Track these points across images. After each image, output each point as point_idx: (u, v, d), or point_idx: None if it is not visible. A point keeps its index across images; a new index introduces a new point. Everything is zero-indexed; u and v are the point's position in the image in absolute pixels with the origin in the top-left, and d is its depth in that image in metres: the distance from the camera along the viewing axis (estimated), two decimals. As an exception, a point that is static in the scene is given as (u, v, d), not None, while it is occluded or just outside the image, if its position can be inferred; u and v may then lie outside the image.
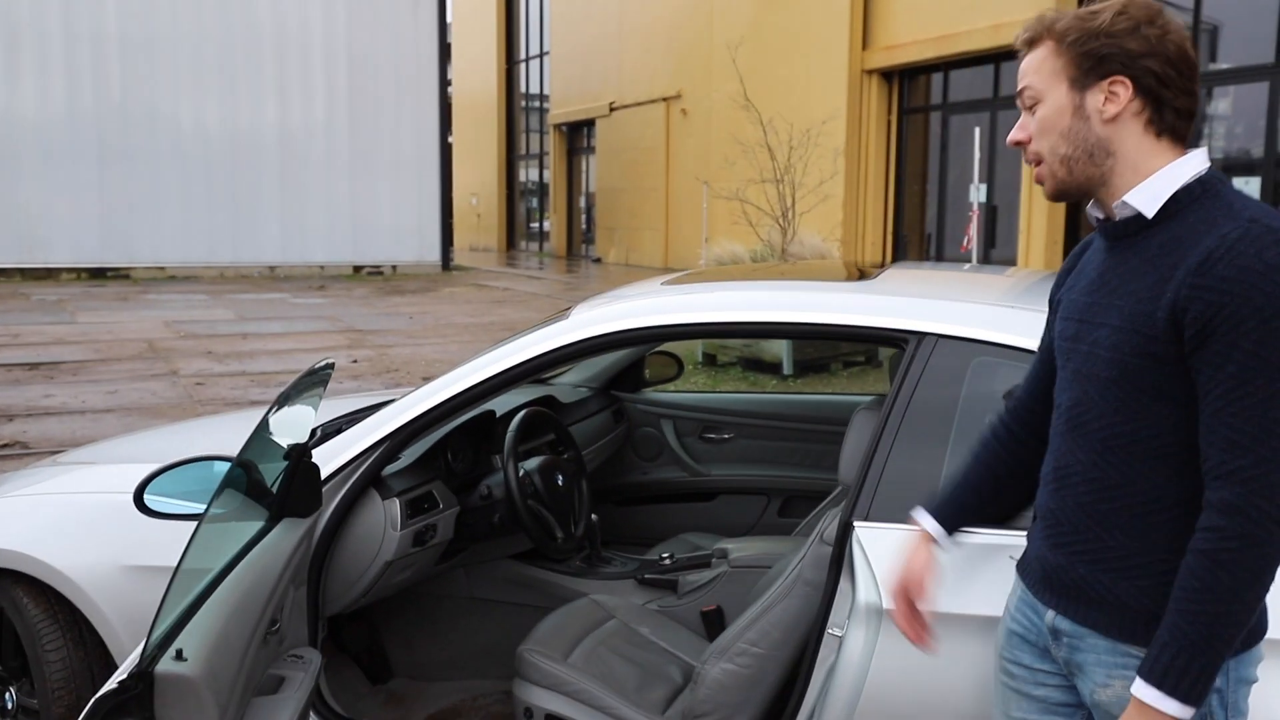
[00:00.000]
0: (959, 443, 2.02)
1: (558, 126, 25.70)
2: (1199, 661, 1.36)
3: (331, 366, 2.32)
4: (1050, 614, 1.59)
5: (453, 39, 21.73)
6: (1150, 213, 1.47)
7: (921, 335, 2.14)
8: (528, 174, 28.59)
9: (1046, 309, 1.74)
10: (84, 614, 2.51)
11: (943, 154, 14.82)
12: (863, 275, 2.82)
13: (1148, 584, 1.46)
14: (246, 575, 1.73)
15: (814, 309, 2.28)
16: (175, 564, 2.38)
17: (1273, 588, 1.42)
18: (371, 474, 2.45)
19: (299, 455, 2.08)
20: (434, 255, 20.33)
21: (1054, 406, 1.62)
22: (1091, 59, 1.47)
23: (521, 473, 2.87)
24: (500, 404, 3.20)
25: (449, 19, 21.21)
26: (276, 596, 1.86)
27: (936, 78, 14.84)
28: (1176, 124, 1.48)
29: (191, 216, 18.56)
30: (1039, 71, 1.52)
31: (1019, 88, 1.57)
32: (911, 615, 1.80)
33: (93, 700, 1.31)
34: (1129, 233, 1.50)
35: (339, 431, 2.56)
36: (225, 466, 2.32)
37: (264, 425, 1.91)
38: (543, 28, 26.55)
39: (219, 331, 11.61)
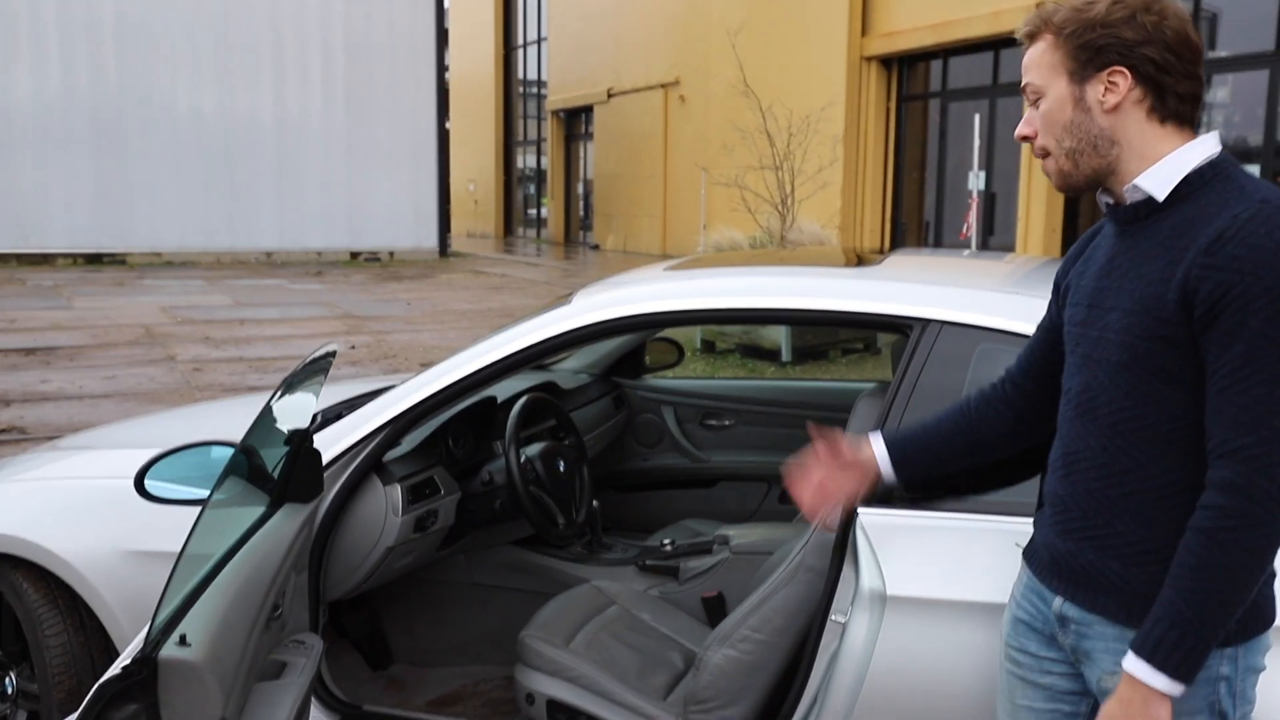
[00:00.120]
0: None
1: (556, 113, 25.62)
2: (1191, 639, 1.36)
3: (333, 354, 2.30)
4: (1058, 601, 1.58)
5: (450, 24, 21.63)
6: (1161, 196, 1.46)
7: (926, 322, 2.13)
8: (525, 160, 28.52)
9: (1050, 295, 1.74)
10: (84, 599, 2.51)
11: (941, 141, 14.79)
12: (861, 261, 2.81)
13: (1157, 569, 1.45)
14: (249, 561, 1.72)
15: (818, 295, 2.27)
16: (178, 549, 2.40)
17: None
18: (373, 459, 2.45)
19: (300, 441, 2.07)
20: (431, 241, 20.29)
21: (1062, 392, 1.61)
22: (1089, 51, 1.47)
23: (523, 458, 2.87)
24: (501, 390, 3.19)
25: (446, 4, 21.10)
26: (279, 582, 1.86)
27: (935, 65, 14.81)
28: (1180, 109, 1.47)
29: (188, 202, 18.50)
30: (1039, 66, 1.52)
31: (1022, 83, 1.57)
32: (813, 482, 1.81)
33: (96, 686, 1.31)
34: (1139, 216, 1.49)
35: (339, 417, 2.55)
36: (225, 452, 2.32)
37: (267, 411, 1.90)
38: (540, 13, 26.44)
39: (216, 317, 11.59)
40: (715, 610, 2.91)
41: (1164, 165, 1.46)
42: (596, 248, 23.31)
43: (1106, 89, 1.47)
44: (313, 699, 2.42)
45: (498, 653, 3.08)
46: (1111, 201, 1.54)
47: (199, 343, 9.85)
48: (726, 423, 3.82)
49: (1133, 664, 1.40)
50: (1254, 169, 10.84)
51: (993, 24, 12.94)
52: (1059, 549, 1.58)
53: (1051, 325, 1.72)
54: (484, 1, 28.52)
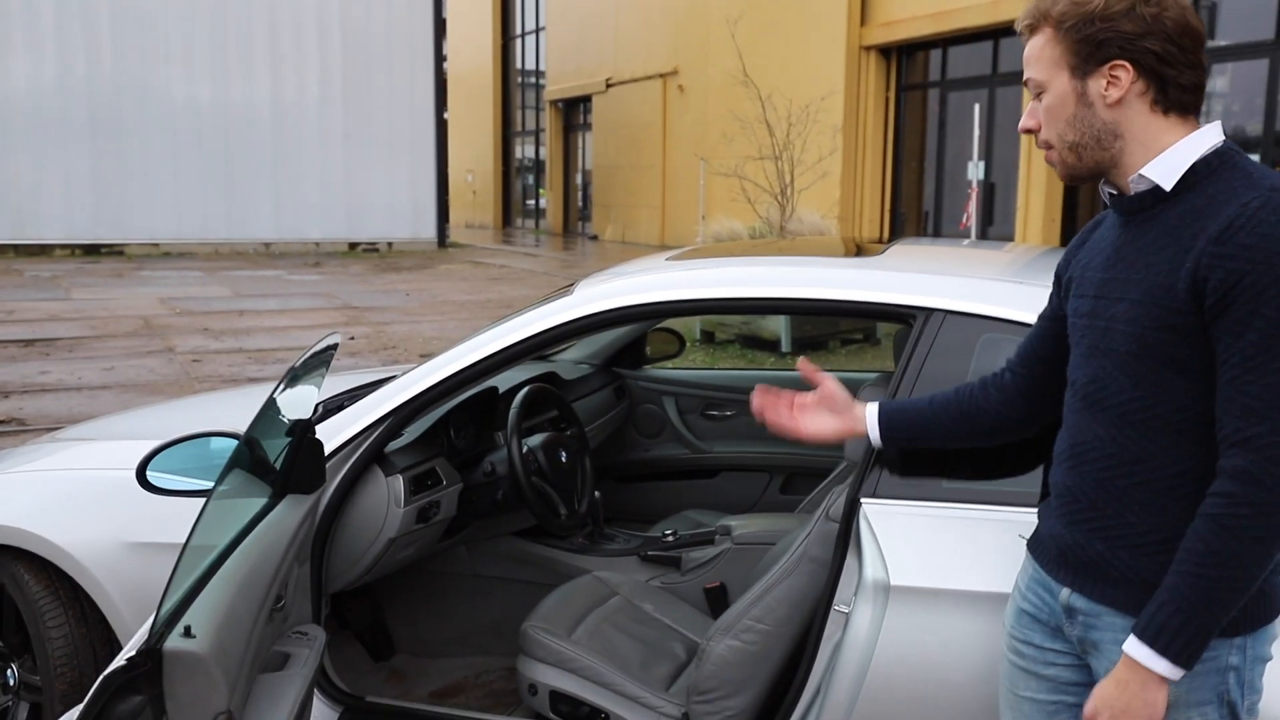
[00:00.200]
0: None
1: (554, 103, 25.56)
2: (1195, 625, 1.37)
3: (334, 347, 2.30)
4: (1065, 592, 1.58)
5: (448, 14, 21.53)
6: (1169, 185, 1.45)
7: (930, 311, 2.12)
8: (524, 151, 28.46)
9: (1051, 286, 1.74)
10: (85, 590, 2.50)
11: (941, 131, 14.77)
12: (864, 251, 2.80)
13: (1167, 559, 1.44)
14: (252, 552, 1.72)
15: (822, 285, 2.26)
16: (179, 540, 2.39)
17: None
18: (375, 450, 2.44)
19: (302, 431, 2.06)
20: (430, 232, 20.25)
21: (1068, 384, 1.61)
22: (1089, 45, 1.46)
23: (525, 449, 2.86)
24: (503, 380, 3.19)
25: (444, -7, 21.03)
26: (281, 573, 1.85)
27: (935, 54, 14.78)
28: (1183, 99, 1.47)
29: (185, 192, 18.46)
30: (1040, 60, 1.52)
31: (1025, 77, 1.56)
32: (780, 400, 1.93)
33: (102, 677, 1.30)
34: (1145, 206, 1.49)
35: (340, 408, 2.54)
36: (227, 443, 2.31)
37: (271, 403, 1.90)
38: (539, 2, 26.37)
39: (215, 308, 11.57)
40: (717, 601, 2.91)
41: (1170, 155, 1.46)
42: (595, 238, 23.28)
43: (1109, 83, 1.46)
44: (315, 690, 2.41)
45: (499, 644, 3.08)
46: (1115, 192, 1.54)
47: (198, 334, 9.84)
48: (728, 413, 3.82)
49: (1135, 648, 1.40)
50: (1254, 158, 10.81)
51: (992, 13, 12.91)
52: (1066, 540, 1.57)
53: (1052, 316, 1.72)
54: (482, -9, 28.44)
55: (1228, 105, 11.37)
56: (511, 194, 29.06)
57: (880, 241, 2.94)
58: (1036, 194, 12.60)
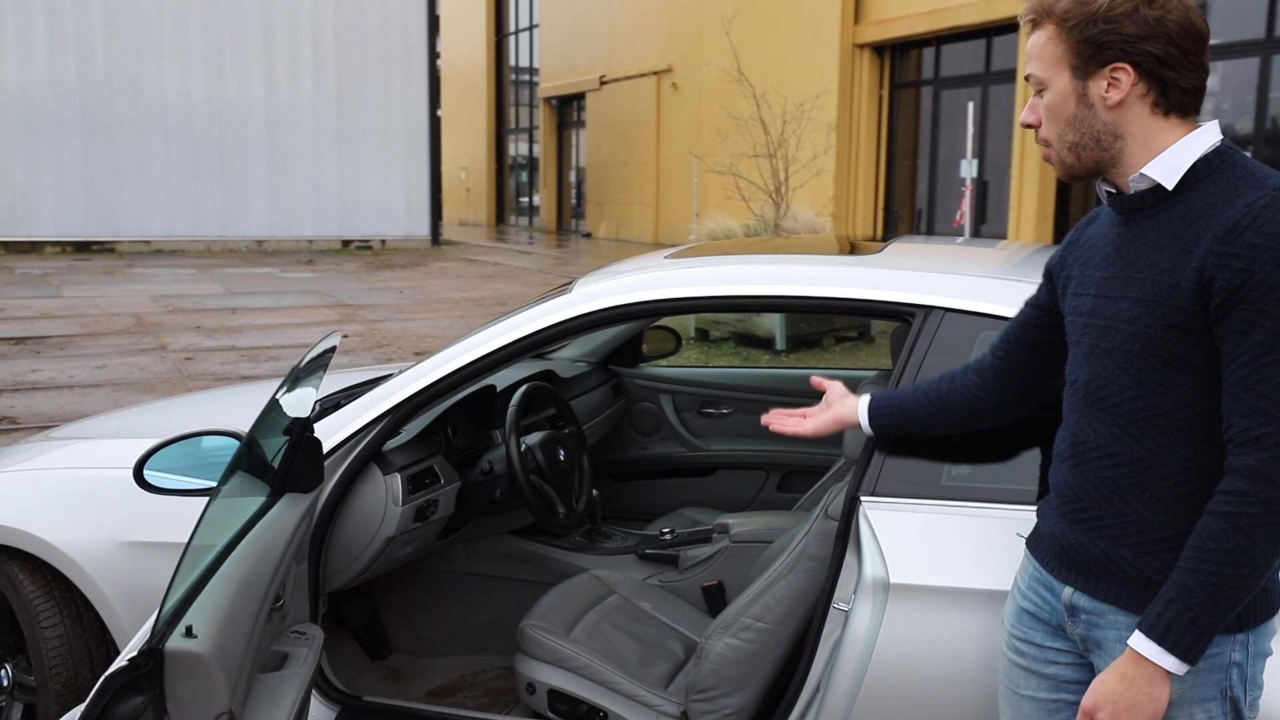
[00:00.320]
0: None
1: (547, 100, 25.53)
2: (1202, 621, 1.37)
3: (333, 350, 2.28)
4: (1067, 591, 1.58)
5: (442, 11, 21.49)
6: (1171, 184, 1.46)
7: (929, 309, 2.13)
8: (517, 148, 28.42)
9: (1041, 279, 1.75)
10: (80, 590, 2.49)
11: (934, 129, 14.79)
12: (858, 249, 2.80)
13: (1171, 557, 1.45)
14: (251, 551, 1.71)
15: (821, 283, 2.26)
16: (176, 539, 2.39)
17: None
18: (373, 449, 2.43)
19: (301, 430, 2.05)
20: (423, 230, 20.22)
21: (1067, 383, 1.61)
22: (1091, 46, 1.46)
23: (523, 448, 2.86)
24: (500, 379, 3.18)
25: (437, -10, 20.98)
26: (280, 572, 1.84)
27: (928, 52, 14.79)
28: (1184, 100, 1.47)
29: (177, 189, 18.39)
30: (1042, 58, 1.52)
31: (1026, 71, 1.56)
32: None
33: (103, 678, 1.30)
34: (1146, 205, 1.49)
35: (337, 407, 2.53)
36: (224, 442, 2.30)
37: (274, 404, 1.89)
38: (532, 0, 26.33)
39: (207, 306, 11.54)
40: (715, 599, 2.90)
41: (1171, 154, 1.46)
42: (589, 236, 23.26)
43: (1109, 85, 1.46)
44: (312, 690, 2.41)
45: (497, 643, 3.07)
46: (1113, 190, 1.54)
47: (190, 332, 9.81)
48: (724, 411, 3.81)
49: (1142, 643, 1.40)
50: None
51: (985, 11, 12.93)
52: (1068, 539, 1.57)
53: (1037, 305, 1.73)
54: (475, -12, 28.39)
55: (1218, 103, 11.40)
56: (505, 191, 29.02)
57: (875, 239, 2.94)
58: (1029, 191, 12.62)
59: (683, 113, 19.45)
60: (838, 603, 2.00)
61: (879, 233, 15.48)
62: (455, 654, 3.11)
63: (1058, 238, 12.58)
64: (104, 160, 17.89)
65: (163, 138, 18.24)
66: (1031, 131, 1.59)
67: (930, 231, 14.88)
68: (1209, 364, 1.41)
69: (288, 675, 1.85)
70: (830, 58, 15.28)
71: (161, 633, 1.32)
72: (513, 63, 28.08)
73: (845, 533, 2.02)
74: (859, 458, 2.06)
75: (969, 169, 11.16)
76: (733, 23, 15.67)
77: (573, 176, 25.58)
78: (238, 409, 3.39)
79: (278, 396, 1.91)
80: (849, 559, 2.01)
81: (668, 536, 3.11)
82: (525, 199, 28.21)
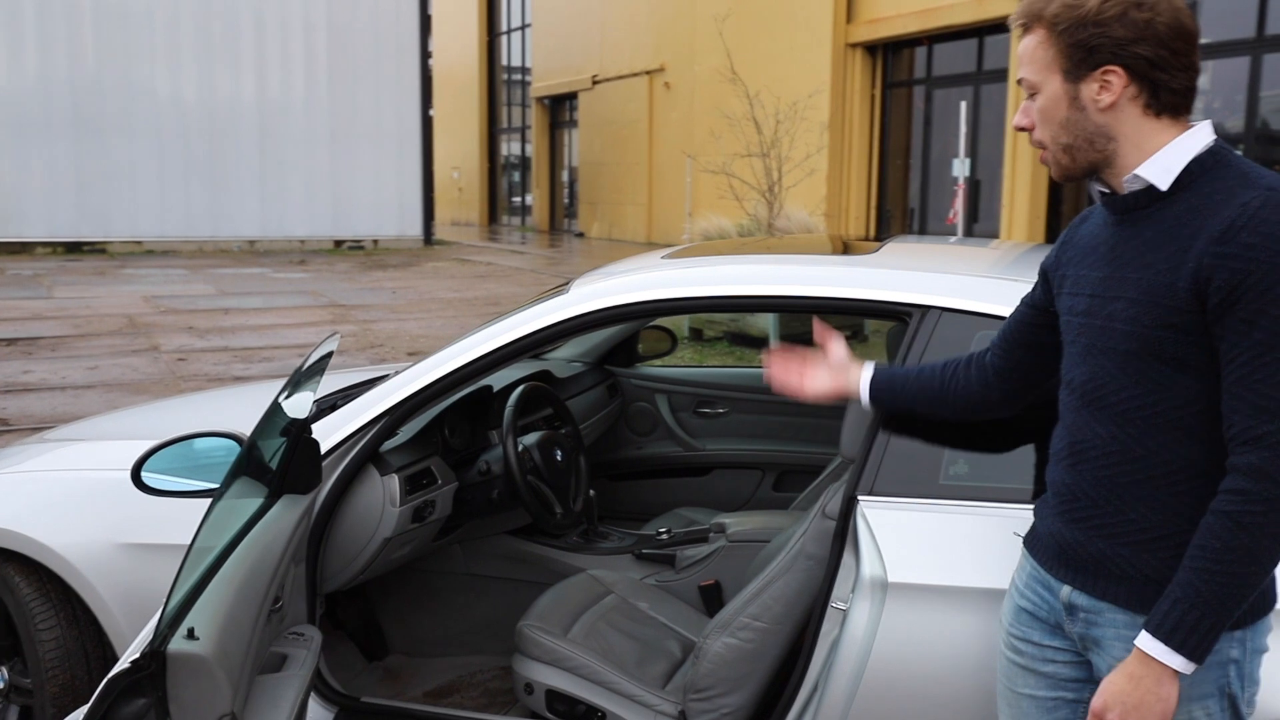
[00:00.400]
0: (964, 417, 2.02)
1: (540, 100, 25.52)
2: (1209, 620, 1.38)
3: (330, 354, 2.28)
4: (1066, 589, 1.59)
5: (433, 10, 21.44)
6: (1164, 185, 1.46)
7: (926, 309, 2.13)
8: (509, 148, 28.40)
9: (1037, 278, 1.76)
10: (77, 592, 2.48)
11: (926, 128, 14.81)
12: (855, 249, 2.81)
13: (1170, 556, 1.46)
14: (250, 553, 1.71)
15: (819, 283, 2.27)
16: (172, 541, 2.38)
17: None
18: (370, 450, 2.43)
19: (299, 431, 2.05)
20: (415, 230, 20.19)
21: (1063, 383, 1.61)
22: (1081, 50, 1.47)
23: (520, 448, 2.86)
24: (497, 379, 3.18)
25: (429, -10, 20.95)
26: (279, 574, 1.84)
27: (920, 52, 14.81)
28: (1175, 101, 1.48)
29: (169, 190, 18.33)
30: (1033, 61, 1.53)
31: (1018, 76, 1.57)
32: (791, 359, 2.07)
33: (106, 679, 1.29)
34: (1140, 205, 1.49)
35: (334, 407, 2.53)
36: (221, 443, 2.30)
37: (276, 407, 1.89)
38: (524, -1, 26.33)
39: (199, 306, 11.50)
40: (712, 598, 2.91)
41: (1164, 155, 1.47)
42: (581, 235, 23.26)
43: (1101, 88, 1.47)
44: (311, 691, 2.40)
45: (493, 643, 3.07)
46: (1107, 191, 1.55)
47: (183, 332, 9.78)
48: (720, 410, 3.82)
49: (1149, 643, 1.41)
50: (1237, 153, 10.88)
51: (977, 10, 12.95)
52: (1066, 538, 1.58)
53: (1032, 304, 1.74)
54: (467, -12, 28.35)
55: (1209, 102, 11.45)
56: (497, 191, 29.00)
57: (868, 239, 2.95)
58: (1021, 190, 12.65)
59: (675, 112, 19.45)
60: (836, 602, 2.00)
61: (872, 232, 15.50)
62: (452, 654, 3.11)
63: (1050, 237, 12.61)
64: (95, 160, 17.82)
65: (154, 137, 18.18)
66: (1024, 131, 1.60)
67: (923, 230, 14.90)
68: (1205, 363, 1.42)
69: (287, 676, 1.85)
70: (823, 57, 15.30)
71: (164, 635, 1.32)
72: (505, 62, 28.06)
73: (843, 532, 2.02)
74: (856, 457, 2.06)
75: (961, 168, 11.18)
76: (725, 22, 15.69)
77: (565, 176, 25.56)
78: (233, 410, 3.38)
79: (279, 400, 1.90)
80: (847, 558, 2.01)
81: (664, 536, 3.11)
82: (518, 199, 28.18)
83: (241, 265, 16.27)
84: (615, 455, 3.85)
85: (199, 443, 2.39)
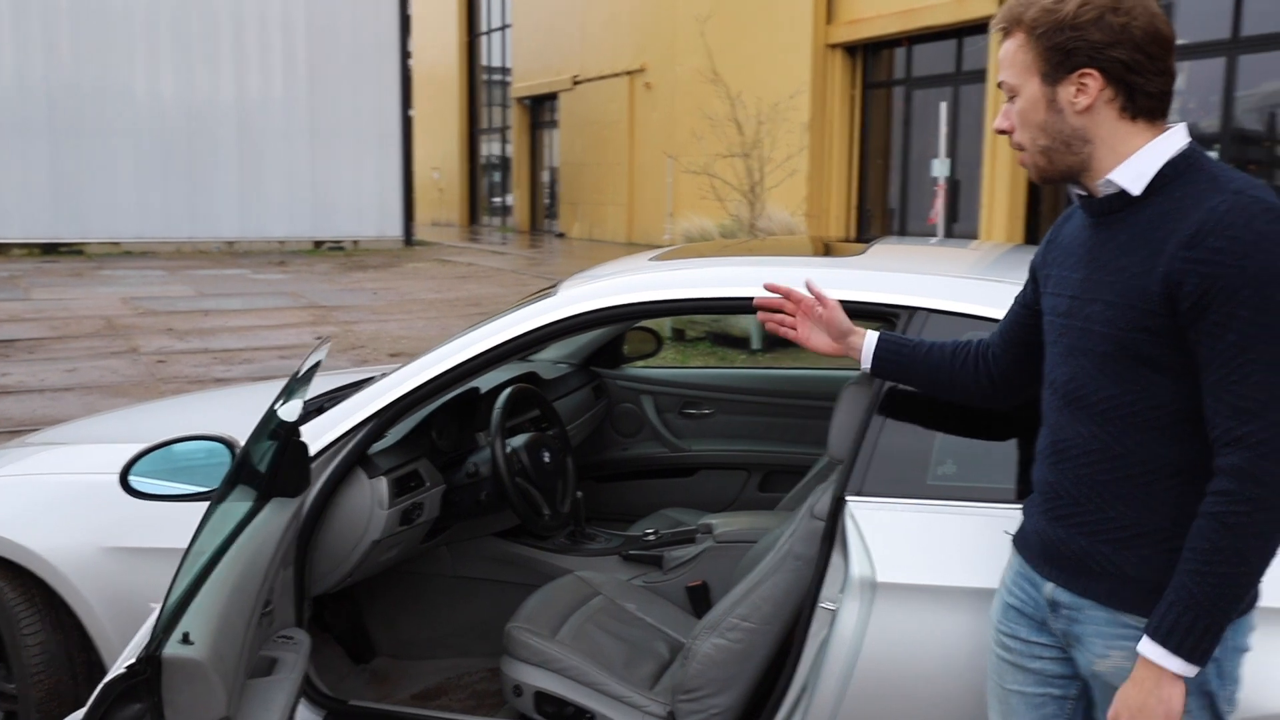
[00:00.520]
0: (951, 417, 2.04)
1: (520, 100, 25.47)
2: (1204, 621, 1.40)
3: (319, 364, 2.27)
4: (1049, 586, 1.61)
5: (413, 10, 21.37)
6: (1137, 190, 1.49)
7: (913, 310, 2.15)
8: (490, 148, 28.33)
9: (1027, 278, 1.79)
10: (62, 597, 2.46)
11: (906, 129, 14.88)
12: (842, 250, 2.82)
13: (1148, 553, 1.49)
14: (241, 556, 1.70)
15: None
16: (159, 545, 2.37)
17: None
18: (358, 452, 2.43)
19: (288, 434, 2.05)
20: (395, 230, 20.11)
21: (1045, 382, 1.64)
22: (1059, 54, 1.49)
23: (508, 450, 2.86)
24: (484, 381, 3.18)
25: (409, -10, 20.88)
26: (270, 577, 1.84)
27: (900, 52, 14.88)
28: (1151, 105, 1.50)
29: (147, 190, 18.18)
30: (1013, 65, 1.55)
31: (999, 79, 1.59)
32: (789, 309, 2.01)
33: (101, 685, 1.29)
34: (1114, 209, 1.52)
35: (320, 410, 2.52)
36: (211, 446, 2.29)
37: (271, 412, 1.88)
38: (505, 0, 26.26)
39: (178, 308, 11.42)
40: (700, 599, 2.92)
41: (1137, 160, 1.49)
42: (562, 236, 23.23)
43: (1078, 90, 1.50)
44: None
45: (481, 645, 3.07)
46: (1084, 193, 1.57)
47: (162, 334, 9.71)
48: (705, 412, 3.83)
49: (1149, 648, 1.43)
50: (1211, 155, 10.98)
51: (956, 11, 13.03)
52: (1050, 535, 1.61)
53: (1024, 303, 1.77)
54: (447, -12, 28.26)
55: (1184, 102, 11.55)
56: (478, 192, 28.92)
57: (849, 239, 2.96)
58: (1001, 191, 12.73)
59: (656, 113, 19.46)
60: (824, 602, 2.02)
61: (852, 232, 15.56)
62: (440, 657, 3.10)
63: (1028, 237, 12.71)
64: (71, 160, 17.66)
65: (131, 138, 18.03)
66: (1004, 134, 1.62)
67: (903, 230, 14.97)
68: (1181, 364, 1.44)
69: (277, 680, 1.85)
70: (803, 58, 15.34)
71: (159, 639, 1.32)
72: (485, 62, 27.99)
73: (831, 532, 2.03)
74: (845, 458, 2.08)
75: (941, 169, 11.24)
76: (706, 23, 15.71)
77: (546, 176, 25.53)
78: (217, 413, 3.37)
79: (275, 407, 1.90)
80: (835, 558, 2.02)
81: (651, 537, 3.12)
82: (498, 199, 28.12)
83: (220, 266, 16.17)
84: (601, 456, 3.85)
85: (186, 446, 2.38)
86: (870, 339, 1.97)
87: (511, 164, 26.53)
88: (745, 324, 8.87)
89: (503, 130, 27.34)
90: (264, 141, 18.99)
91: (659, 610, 2.86)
